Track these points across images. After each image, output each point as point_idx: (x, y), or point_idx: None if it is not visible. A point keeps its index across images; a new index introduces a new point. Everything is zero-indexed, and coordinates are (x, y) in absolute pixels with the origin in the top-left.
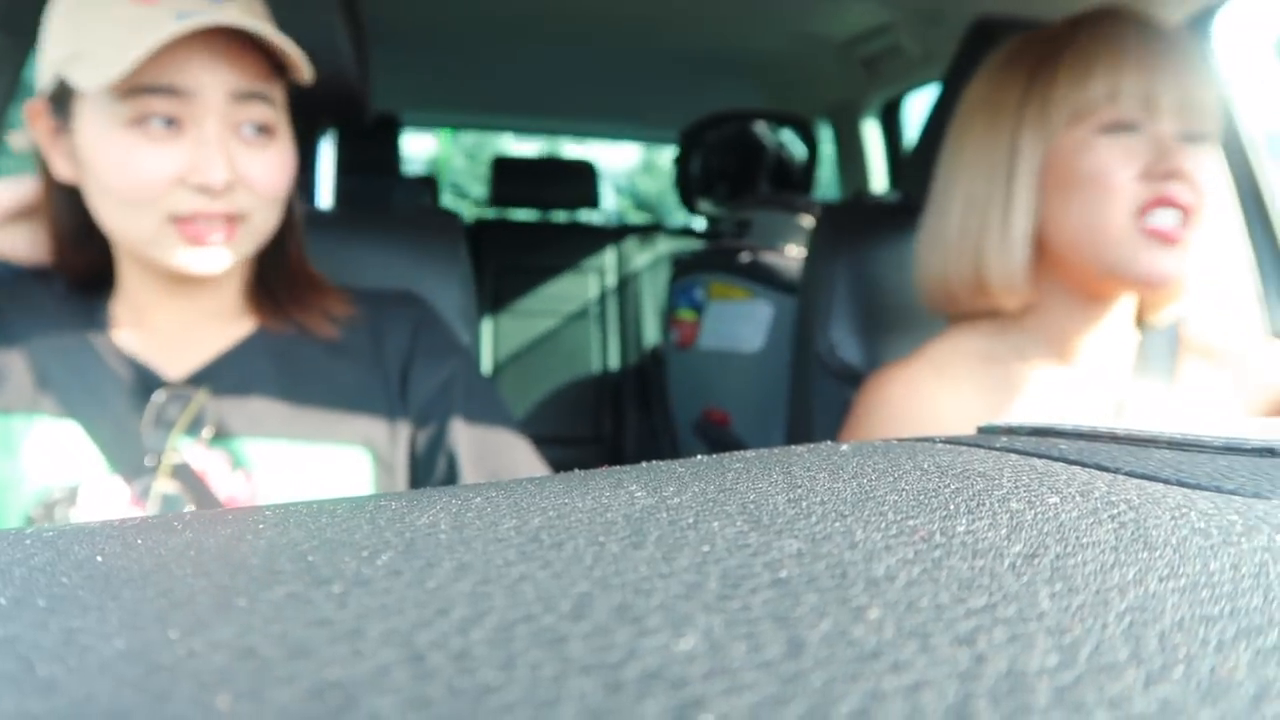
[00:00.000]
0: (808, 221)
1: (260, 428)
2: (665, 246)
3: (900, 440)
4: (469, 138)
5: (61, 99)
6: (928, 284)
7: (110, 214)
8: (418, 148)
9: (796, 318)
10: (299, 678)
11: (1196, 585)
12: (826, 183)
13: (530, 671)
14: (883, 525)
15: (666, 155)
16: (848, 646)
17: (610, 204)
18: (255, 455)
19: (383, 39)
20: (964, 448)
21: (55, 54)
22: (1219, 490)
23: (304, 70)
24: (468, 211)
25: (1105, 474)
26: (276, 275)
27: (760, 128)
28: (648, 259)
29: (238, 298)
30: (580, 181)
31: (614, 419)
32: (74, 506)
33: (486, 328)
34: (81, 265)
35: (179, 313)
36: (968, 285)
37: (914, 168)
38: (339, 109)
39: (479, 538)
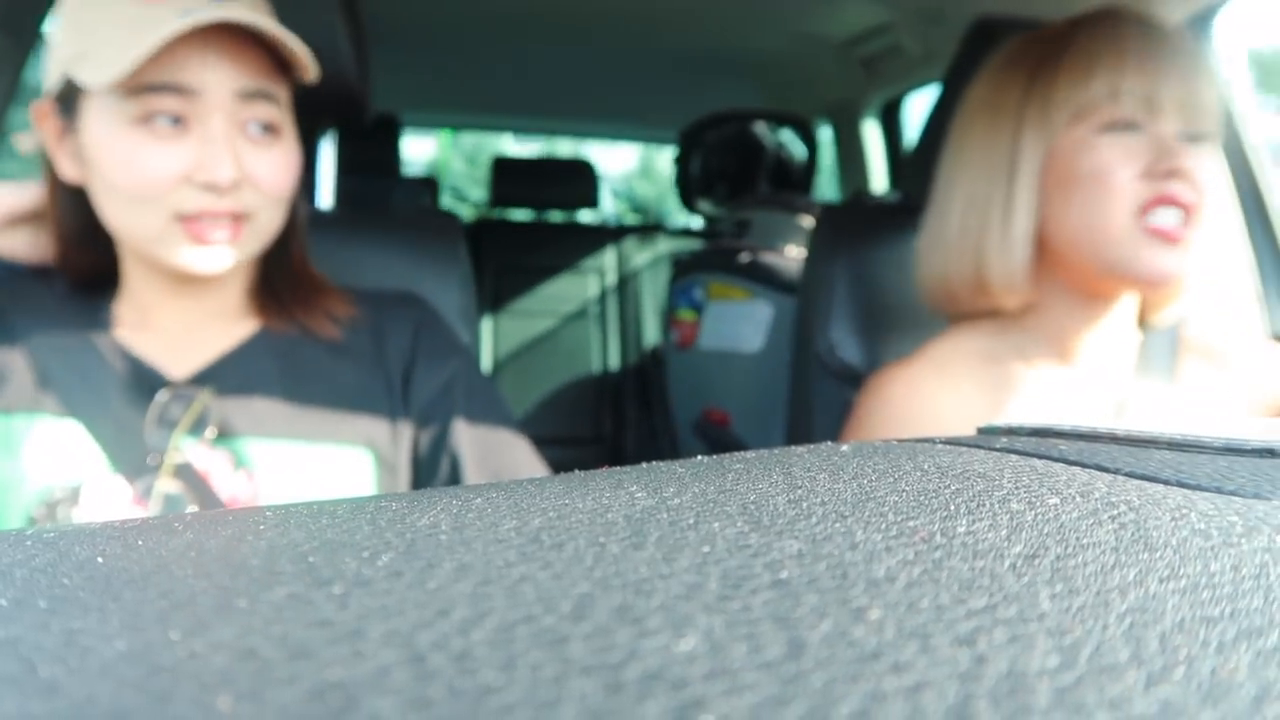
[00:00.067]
0: (807, 222)
1: (263, 428)
2: (665, 246)
3: (900, 441)
4: (468, 141)
5: (68, 99)
6: (929, 283)
7: (116, 213)
8: (417, 151)
9: (796, 318)
10: (300, 679)
11: (1197, 586)
12: (826, 183)
13: (531, 672)
14: (883, 526)
15: (664, 159)
16: (848, 647)
17: (608, 208)
18: (257, 455)
19: (383, 39)
20: (964, 448)
21: (62, 54)
22: (1219, 491)
23: (310, 69)
24: (467, 214)
25: (1105, 475)
26: (280, 276)
27: (760, 128)
28: (647, 259)
29: (241, 298)
30: (580, 181)
31: (614, 419)
32: (76, 506)
33: (486, 328)
34: (85, 265)
35: (183, 312)
36: (968, 284)
37: (914, 168)
38: (339, 109)
39: (479, 539)
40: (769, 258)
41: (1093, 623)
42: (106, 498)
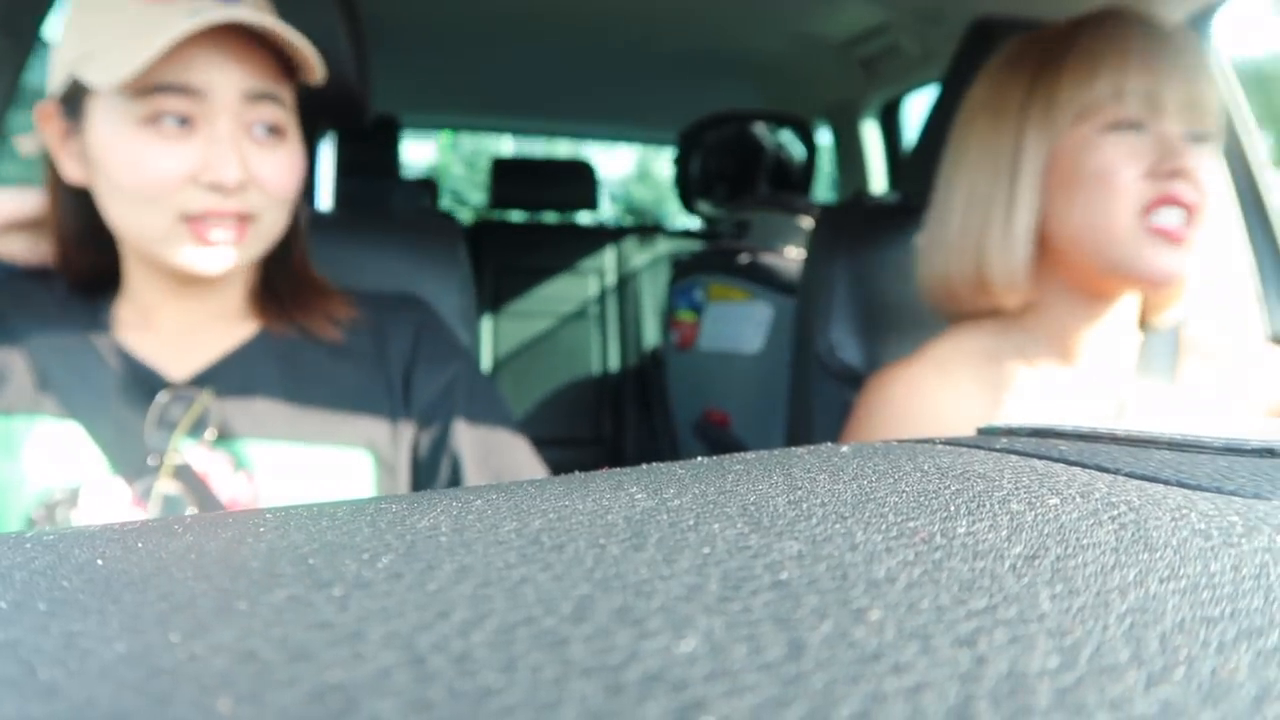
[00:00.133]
0: (807, 222)
1: (263, 429)
2: (664, 247)
3: (900, 442)
4: (468, 145)
5: (73, 100)
6: (930, 282)
7: (121, 213)
8: (417, 155)
9: (796, 319)
10: (300, 681)
11: (1197, 587)
12: (826, 184)
13: (531, 674)
14: (883, 527)
15: (661, 163)
16: (849, 648)
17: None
18: (257, 457)
19: (382, 40)
20: (964, 449)
21: (68, 54)
22: (1219, 491)
23: (317, 70)
24: (466, 218)
25: (1106, 475)
26: (281, 277)
27: (759, 129)
28: (647, 260)
29: (242, 299)
30: (579, 182)
31: (614, 420)
32: (75, 508)
33: (486, 329)
34: (86, 267)
35: (184, 314)
36: (969, 283)
37: (913, 168)
38: (339, 111)
39: (480, 540)
40: (768, 259)
41: (1093, 623)
42: (105, 499)
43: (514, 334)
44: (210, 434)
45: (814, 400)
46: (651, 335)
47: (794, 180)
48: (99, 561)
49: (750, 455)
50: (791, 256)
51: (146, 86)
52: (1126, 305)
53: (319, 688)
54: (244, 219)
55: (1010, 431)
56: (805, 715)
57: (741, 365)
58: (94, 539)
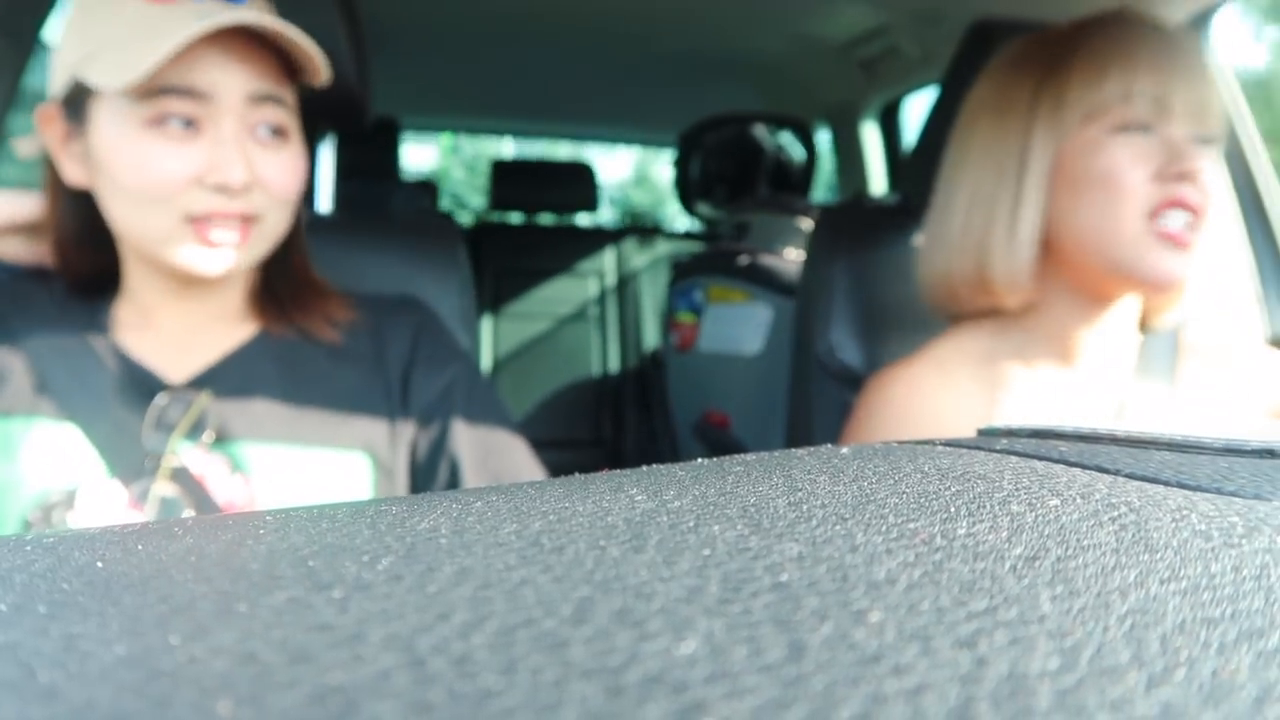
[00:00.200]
0: (806, 224)
1: (260, 431)
2: (664, 249)
3: (900, 443)
4: (468, 149)
5: (75, 101)
6: (931, 281)
7: (124, 215)
8: (418, 159)
9: (795, 320)
10: (300, 683)
11: (1198, 588)
12: (826, 186)
13: (531, 676)
14: (883, 528)
15: (660, 167)
16: (849, 650)
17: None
18: (254, 459)
19: (382, 43)
20: (964, 450)
21: (69, 56)
22: (1220, 492)
23: (322, 71)
24: (467, 221)
25: (1106, 476)
26: (281, 279)
27: (759, 130)
28: (646, 261)
29: (242, 301)
30: (579, 184)
31: (614, 421)
32: (71, 510)
33: (486, 330)
34: (85, 268)
35: (184, 315)
36: (971, 283)
37: (913, 169)
38: (339, 113)
39: (479, 542)
40: (768, 260)
41: (1094, 624)
42: (102, 501)
43: (514, 335)
44: (208, 436)
45: (814, 401)
46: (651, 337)
47: (794, 182)
48: (99, 564)
49: (750, 457)
50: (791, 258)
51: (151, 89)
52: (1127, 307)
53: (319, 690)
54: (248, 220)
55: (1010, 433)
56: (806, 717)
57: (741, 367)
58: (94, 541)
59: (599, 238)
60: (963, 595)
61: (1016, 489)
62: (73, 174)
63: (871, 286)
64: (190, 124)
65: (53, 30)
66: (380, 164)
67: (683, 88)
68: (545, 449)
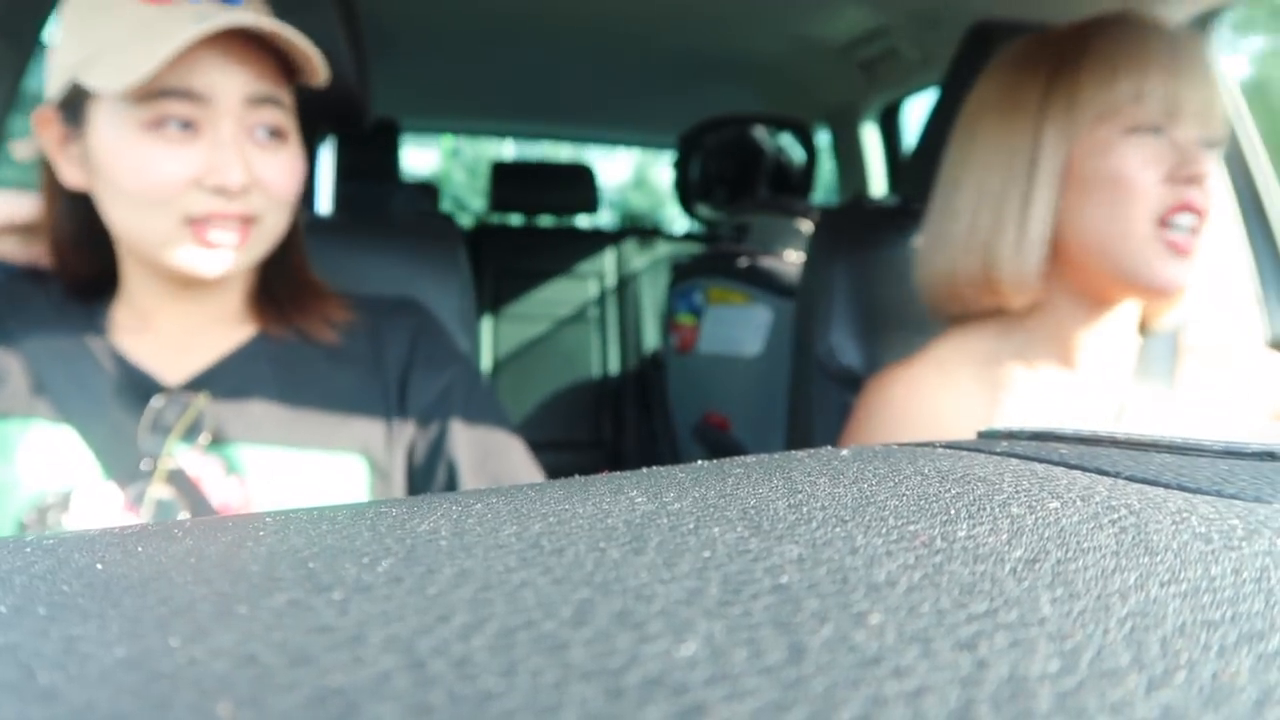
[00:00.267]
0: (806, 226)
1: (257, 433)
2: (664, 250)
3: (900, 445)
4: (469, 152)
5: (73, 104)
6: (931, 281)
7: (123, 217)
8: (418, 162)
9: (795, 322)
10: (300, 685)
11: (1198, 590)
12: (826, 187)
13: (531, 678)
14: (883, 530)
15: (659, 170)
16: (849, 652)
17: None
18: (250, 461)
19: (382, 44)
20: (964, 452)
21: (67, 59)
22: (1220, 495)
23: (321, 72)
24: (467, 223)
25: (1106, 478)
26: (279, 281)
27: (759, 132)
28: (646, 263)
29: (240, 303)
30: (579, 186)
31: (614, 423)
32: (66, 512)
33: (486, 331)
34: (83, 270)
35: (182, 317)
36: (975, 283)
37: (913, 171)
38: (339, 115)
39: (479, 544)
40: (768, 262)
41: (1094, 627)
42: (97, 503)
43: (514, 337)
44: (204, 438)
45: (814, 403)
46: (651, 338)
47: (793, 183)
48: (99, 566)
49: (750, 459)
50: (791, 259)
51: (150, 91)
52: (1127, 309)
53: (319, 692)
54: (246, 221)
55: (1011, 435)
56: (806, 719)
57: (741, 368)
58: (94, 543)
59: (599, 239)
60: (963, 598)
61: (1017, 491)
62: (71, 176)
63: (871, 288)
64: (188, 126)
65: (53, 32)
66: (380, 165)
67: (683, 89)
68: (545, 450)
